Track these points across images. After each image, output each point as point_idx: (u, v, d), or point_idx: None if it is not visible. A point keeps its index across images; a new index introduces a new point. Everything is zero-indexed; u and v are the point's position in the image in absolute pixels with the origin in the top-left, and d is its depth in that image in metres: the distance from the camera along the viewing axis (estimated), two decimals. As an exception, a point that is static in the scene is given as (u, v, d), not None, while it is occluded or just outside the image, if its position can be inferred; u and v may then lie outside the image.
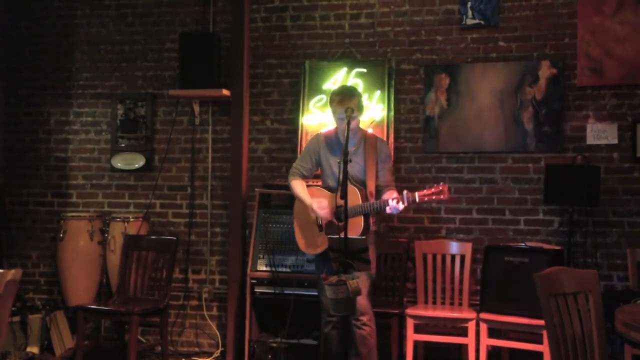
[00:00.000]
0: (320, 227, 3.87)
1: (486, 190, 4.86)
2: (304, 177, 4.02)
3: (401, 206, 3.63)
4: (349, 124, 3.59)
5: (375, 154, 3.84)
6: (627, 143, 4.65)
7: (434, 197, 3.63)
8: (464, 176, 4.88)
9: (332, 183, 3.89)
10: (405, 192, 3.66)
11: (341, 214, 3.51)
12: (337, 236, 3.44)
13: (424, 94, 4.97)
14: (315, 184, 4.10)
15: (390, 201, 3.64)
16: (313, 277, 4.21)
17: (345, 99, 3.77)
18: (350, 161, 3.58)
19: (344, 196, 3.37)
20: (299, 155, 4.26)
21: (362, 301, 3.65)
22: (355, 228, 3.70)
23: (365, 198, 3.77)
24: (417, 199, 3.64)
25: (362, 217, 3.74)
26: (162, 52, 5.45)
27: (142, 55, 5.49)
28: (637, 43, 4.63)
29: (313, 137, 4.11)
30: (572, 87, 4.74)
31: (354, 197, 3.72)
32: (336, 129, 3.96)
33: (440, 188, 3.63)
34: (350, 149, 3.67)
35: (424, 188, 3.70)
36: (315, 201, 3.83)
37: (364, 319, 3.73)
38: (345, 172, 3.40)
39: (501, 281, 4.30)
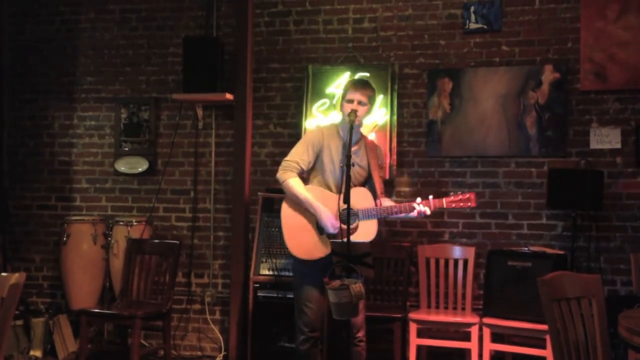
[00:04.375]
0: (322, 230, 3.64)
1: (489, 195, 4.85)
2: (300, 174, 3.68)
3: (428, 211, 3.61)
4: (352, 128, 3.49)
5: (375, 158, 3.78)
6: (631, 148, 4.64)
7: (461, 205, 3.63)
8: (467, 180, 4.88)
9: (331, 181, 3.70)
10: (430, 197, 3.62)
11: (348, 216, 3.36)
12: (341, 240, 3.31)
13: (427, 98, 4.97)
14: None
15: (416, 205, 3.60)
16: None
17: (360, 87, 3.67)
18: (354, 165, 3.53)
19: (347, 201, 3.33)
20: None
21: (360, 315, 3.59)
22: (369, 233, 3.60)
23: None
24: (444, 205, 3.62)
25: (376, 221, 3.63)
26: (166, 56, 5.46)
27: (146, 60, 5.50)
28: (641, 48, 4.64)
29: (314, 129, 3.85)
30: (575, 91, 4.73)
31: (367, 199, 3.63)
32: (337, 125, 3.79)
33: (468, 196, 3.64)
34: (353, 147, 3.55)
35: (450, 194, 3.67)
36: (327, 214, 3.57)
37: (360, 334, 3.68)
38: (348, 177, 3.35)
39: (504, 286, 4.30)
